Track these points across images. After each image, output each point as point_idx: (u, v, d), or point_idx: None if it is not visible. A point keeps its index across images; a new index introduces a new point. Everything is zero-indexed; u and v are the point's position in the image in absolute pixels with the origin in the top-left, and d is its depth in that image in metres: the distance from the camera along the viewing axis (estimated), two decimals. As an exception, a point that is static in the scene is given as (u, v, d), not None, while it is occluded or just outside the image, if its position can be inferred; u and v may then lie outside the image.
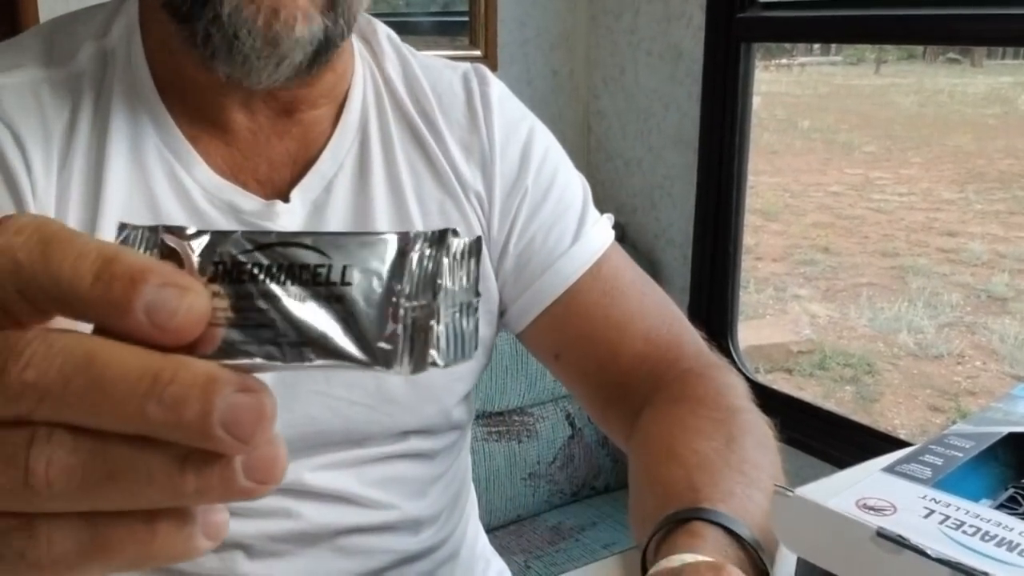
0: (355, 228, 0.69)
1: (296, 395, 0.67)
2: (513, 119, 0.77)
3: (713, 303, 1.79)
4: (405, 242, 0.25)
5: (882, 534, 0.49)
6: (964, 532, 0.50)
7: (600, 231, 0.77)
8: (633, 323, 0.75)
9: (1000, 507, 0.57)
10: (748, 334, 3.52)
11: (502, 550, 0.96)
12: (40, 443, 0.22)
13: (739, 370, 1.71)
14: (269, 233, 0.25)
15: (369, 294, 0.25)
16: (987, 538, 0.50)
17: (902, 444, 1.33)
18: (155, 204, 0.64)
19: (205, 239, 0.25)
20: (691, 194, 1.81)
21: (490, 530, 1.22)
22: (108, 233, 0.61)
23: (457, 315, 0.25)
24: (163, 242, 0.25)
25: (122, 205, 0.63)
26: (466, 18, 1.89)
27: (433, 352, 0.24)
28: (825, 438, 1.59)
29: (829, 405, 2.71)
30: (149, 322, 0.23)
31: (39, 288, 0.23)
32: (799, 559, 0.56)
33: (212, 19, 0.58)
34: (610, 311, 0.75)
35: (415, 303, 0.25)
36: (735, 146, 1.72)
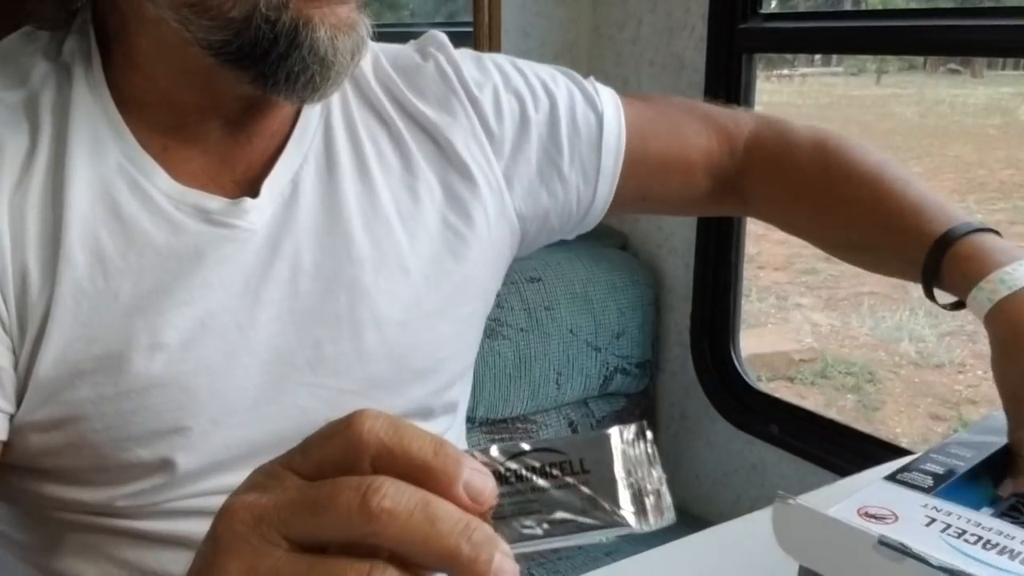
0: (325, 217, 0.70)
1: (284, 387, 0.67)
2: (488, 68, 0.79)
3: (715, 312, 1.79)
4: (619, 435, 0.35)
5: (884, 542, 0.49)
6: (966, 541, 0.50)
7: (606, 94, 0.83)
8: (686, 139, 0.85)
9: (1002, 516, 0.58)
10: (750, 342, 3.51)
11: (505, 557, 0.96)
12: (378, 570, 0.31)
13: (741, 377, 1.72)
14: (519, 445, 0.35)
15: (603, 474, 0.34)
16: (989, 547, 0.50)
17: (904, 453, 1.33)
18: (119, 211, 0.63)
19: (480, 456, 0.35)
20: (693, 203, 1.81)
21: (493, 538, 1.21)
22: (72, 249, 0.61)
23: (663, 481, 0.35)
24: None
25: (85, 217, 0.62)
26: (470, 28, 1.90)
27: (660, 509, 0.35)
28: (827, 446, 1.59)
29: (831, 413, 2.70)
30: (466, 494, 0.32)
31: (391, 458, 0.32)
32: (801, 567, 0.56)
33: (280, 57, 0.59)
34: (669, 145, 0.85)
35: (634, 478, 0.35)
36: (737, 156, 1.73)
